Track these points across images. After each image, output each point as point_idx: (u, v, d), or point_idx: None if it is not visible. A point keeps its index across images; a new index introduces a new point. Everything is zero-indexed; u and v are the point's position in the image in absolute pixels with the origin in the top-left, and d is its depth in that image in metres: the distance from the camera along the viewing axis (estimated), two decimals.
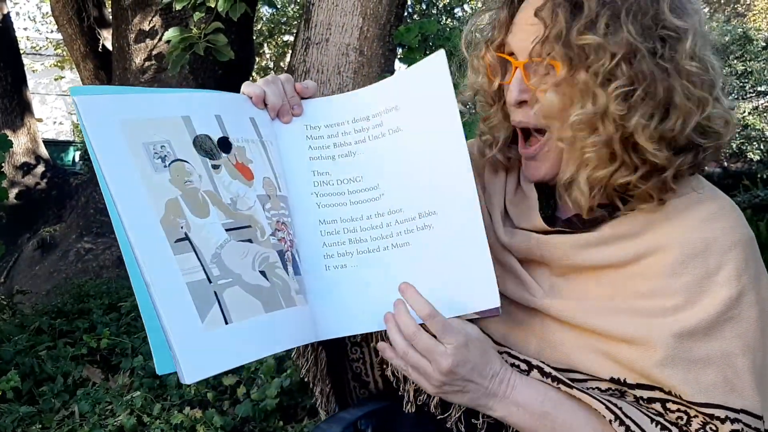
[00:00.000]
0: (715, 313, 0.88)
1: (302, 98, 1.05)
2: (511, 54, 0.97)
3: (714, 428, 0.87)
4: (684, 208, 0.93)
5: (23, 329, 3.46)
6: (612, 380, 0.91)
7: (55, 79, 13.27)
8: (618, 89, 0.87)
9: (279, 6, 10.86)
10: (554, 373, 0.94)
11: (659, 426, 0.89)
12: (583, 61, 0.88)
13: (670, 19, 0.88)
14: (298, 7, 10.80)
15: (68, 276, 4.58)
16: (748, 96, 10.13)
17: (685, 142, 0.91)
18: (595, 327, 0.92)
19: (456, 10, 11.45)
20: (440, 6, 11.30)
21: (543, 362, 0.96)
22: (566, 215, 1.03)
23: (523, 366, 0.96)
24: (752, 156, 9.66)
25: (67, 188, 5.58)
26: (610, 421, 0.88)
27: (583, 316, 0.94)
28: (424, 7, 11.14)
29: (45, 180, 5.51)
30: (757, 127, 9.61)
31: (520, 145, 1.03)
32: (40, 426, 2.62)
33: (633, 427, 0.88)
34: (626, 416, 0.89)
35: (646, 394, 0.89)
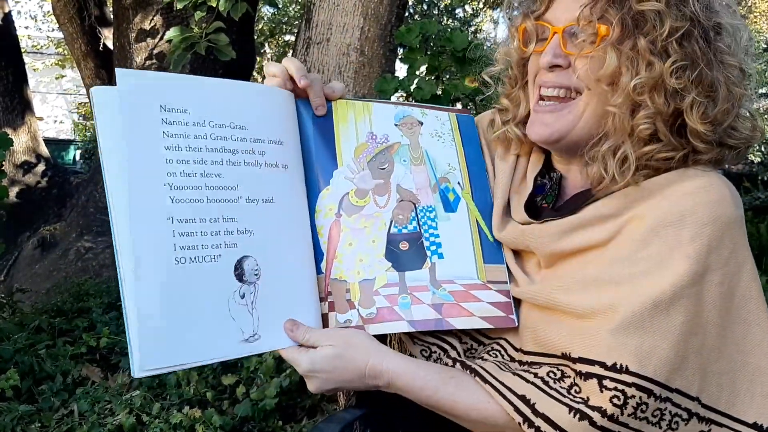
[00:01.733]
0: (678, 285, 0.86)
1: (329, 100, 1.09)
2: (549, 23, 0.99)
3: (639, 401, 0.84)
4: (668, 182, 0.93)
5: (23, 328, 3.46)
6: (562, 355, 0.92)
7: (56, 78, 13.28)
8: (676, 63, 0.89)
9: (280, 6, 10.86)
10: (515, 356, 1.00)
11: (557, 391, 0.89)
12: (639, 27, 0.90)
13: (721, 12, 0.92)
14: (299, 7, 10.79)
15: (68, 275, 4.58)
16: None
17: (718, 137, 0.93)
18: (560, 305, 0.94)
19: (457, 11, 11.44)
20: (441, 7, 11.29)
21: (512, 344, 1.02)
22: (568, 196, 1.06)
23: (488, 344, 1.04)
24: (753, 158, 9.65)
25: (68, 187, 5.58)
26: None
27: (550, 295, 0.96)
28: (425, 7, 11.13)
29: (45, 179, 5.51)
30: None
31: (533, 102, 1.04)
32: (40, 425, 2.61)
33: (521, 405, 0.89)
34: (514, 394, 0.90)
35: (584, 368, 0.88)
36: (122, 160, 0.87)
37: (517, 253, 1.08)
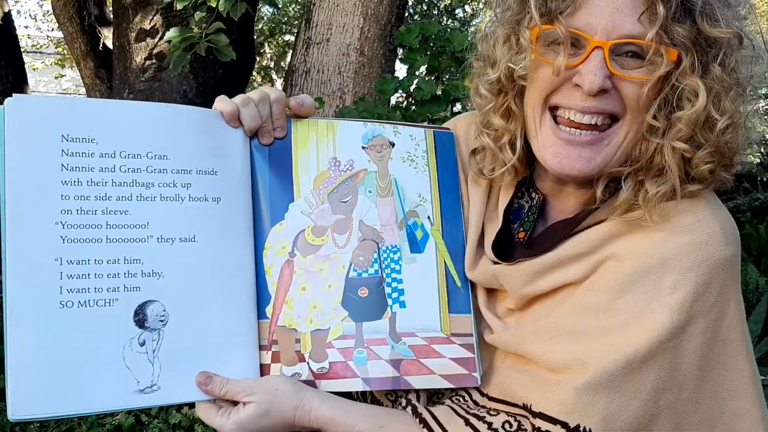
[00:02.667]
0: (656, 341, 0.79)
1: (297, 116, 0.98)
2: (583, 33, 0.83)
3: None
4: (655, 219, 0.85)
5: None
6: (523, 406, 0.86)
7: (56, 78, 13.24)
8: (740, 95, 0.86)
9: (280, 6, 10.86)
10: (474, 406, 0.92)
11: None
12: (714, 56, 0.82)
13: (752, 36, 0.87)
14: (299, 7, 10.79)
15: None
16: (748, 99, 10.13)
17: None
18: (531, 354, 0.88)
19: (457, 11, 11.44)
20: (441, 7, 11.29)
21: (479, 389, 0.95)
22: (550, 221, 0.98)
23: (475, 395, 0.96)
24: (753, 158, 9.67)
25: None
26: None
27: (521, 345, 0.89)
28: (425, 7, 11.13)
29: None
30: (758, 130, 9.62)
31: (560, 134, 0.88)
32: (38, 425, 2.61)
33: None
34: None
35: (544, 425, 0.82)
36: (10, 195, 0.81)
37: (490, 291, 1.00)
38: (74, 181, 0.83)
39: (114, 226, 0.85)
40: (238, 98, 0.93)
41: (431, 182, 1.01)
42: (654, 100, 0.83)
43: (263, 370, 0.93)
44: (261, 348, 0.94)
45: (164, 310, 0.88)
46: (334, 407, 0.89)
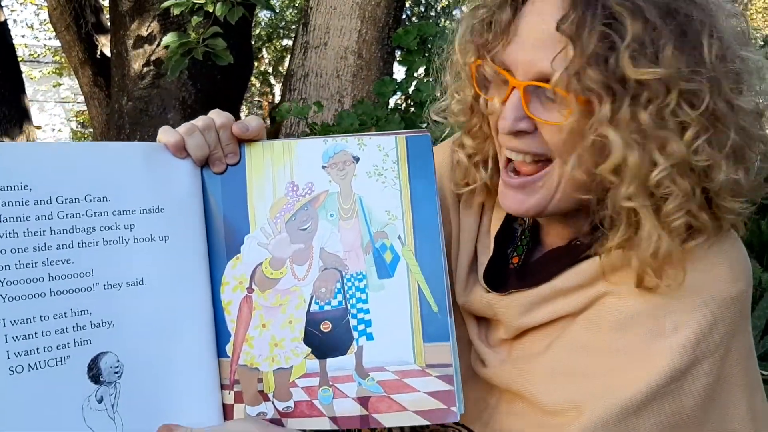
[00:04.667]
0: (654, 386, 0.75)
1: (242, 141, 0.91)
2: (508, 70, 0.80)
3: None
4: None
5: None
6: None
7: (54, 86, 13.28)
8: (699, 136, 0.71)
9: (277, 10, 10.87)
10: None
11: None
12: (636, 97, 0.71)
13: (735, 47, 0.73)
14: (296, 11, 10.80)
15: None
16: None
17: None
18: (525, 392, 0.85)
19: (455, 12, 11.45)
20: (438, 8, 11.31)
21: (471, 429, 0.90)
22: (545, 246, 0.94)
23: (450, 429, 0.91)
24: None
25: None
26: None
27: (515, 381, 0.86)
28: (422, 9, 11.15)
29: None
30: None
31: (502, 173, 0.87)
32: None
33: None
34: None
35: None
36: None
37: (481, 319, 0.96)
38: (9, 233, 0.76)
39: (56, 278, 0.79)
40: (182, 128, 0.88)
41: (402, 196, 0.91)
42: (577, 147, 0.76)
43: (226, 410, 0.90)
44: (223, 387, 0.90)
45: (118, 361, 0.83)
46: None
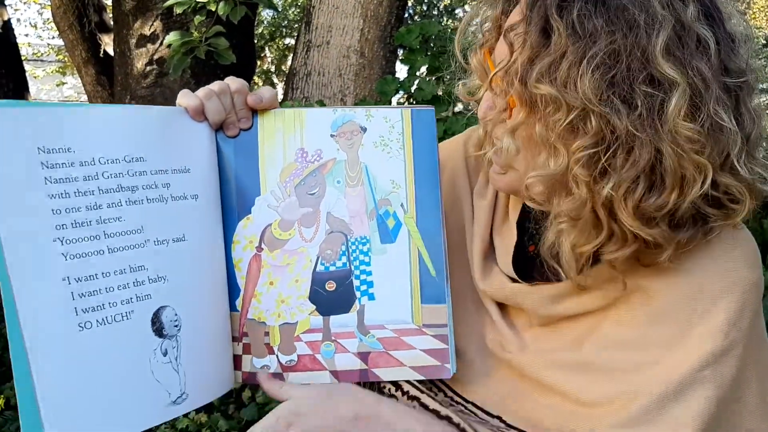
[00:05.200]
0: (688, 371, 0.78)
1: (254, 111, 0.94)
2: (495, 62, 0.83)
3: None
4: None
5: None
6: None
7: (57, 85, 13.28)
8: (580, 151, 0.72)
9: (279, 9, 10.88)
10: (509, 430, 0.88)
11: None
12: (539, 110, 0.75)
13: (661, 67, 0.70)
14: (298, 10, 10.81)
15: None
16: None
17: (690, 213, 0.76)
18: (554, 384, 0.86)
19: (457, 11, 11.44)
20: (441, 7, 11.30)
21: (501, 417, 0.91)
22: None
23: (481, 415, 0.92)
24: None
25: None
26: None
27: (544, 371, 0.87)
28: (424, 8, 11.14)
29: None
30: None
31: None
32: None
33: None
34: None
35: None
36: (1, 217, 0.74)
37: (502, 304, 0.98)
38: (61, 194, 0.78)
39: (111, 235, 0.81)
40: (201, 92, 0.91)
41: (406, 167, 0.96)
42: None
43: (235, 360, 0.96)
44: (233, 339, 0.96)
45: (176, 315, 0.85)
46: (399, 411, 0.88)
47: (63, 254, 0.77)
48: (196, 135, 0.92)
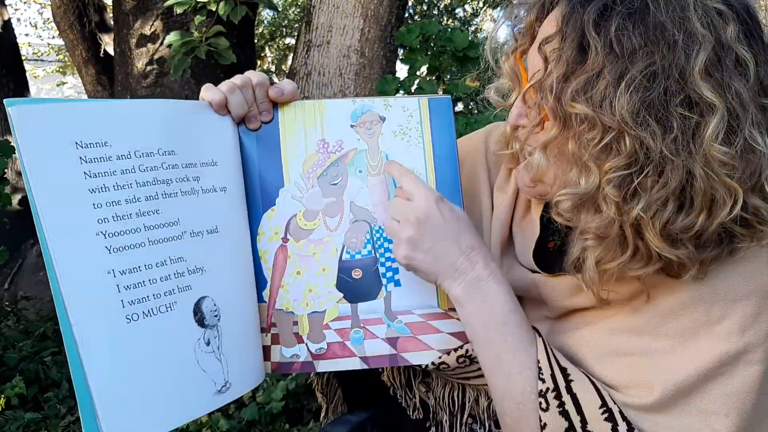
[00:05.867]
0: (703, 369, 0.78)
1: (275, 104, 0.95)
2: (527, 69, 0.84)
3: None
4: None
5: (28, 335, 3.46)
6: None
7: (58, 85, 13.28)
8: (612, 171, 0.72)
9: (280, 9, 10.87)
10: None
11: (605, 416, 0.79)
12: (573, 127, 0.75)
13: (699, 89, 0.69)
14: (299, 10, 10.80)
15: None
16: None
17: (716, 234, 0.75)
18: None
19: (457, 11, 11.44)
20: (441, 7, 11.29)
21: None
22: None
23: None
24: None
25: None
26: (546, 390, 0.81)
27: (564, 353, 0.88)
28: (425, 8, 11.13)
29: None
30: None
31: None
32: None
33: (569, 406, 0.80)
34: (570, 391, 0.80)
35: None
36: (44, 215, 0.74)
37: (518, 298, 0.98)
38: (101, 188, 0.78)
39: (151, 227, 0.82)
40: (224, 86, 0.92)
41: (426, 155, 0.98)
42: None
43: (264, 351, 0.96)
44: (261, 330, 0.97)
45: (215, 305, 0.87)
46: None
47: (107, 248, 0.77)
48: (220, 128, 0.93)
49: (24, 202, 5.37)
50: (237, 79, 0.92)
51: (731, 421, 0.78)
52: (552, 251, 0.96)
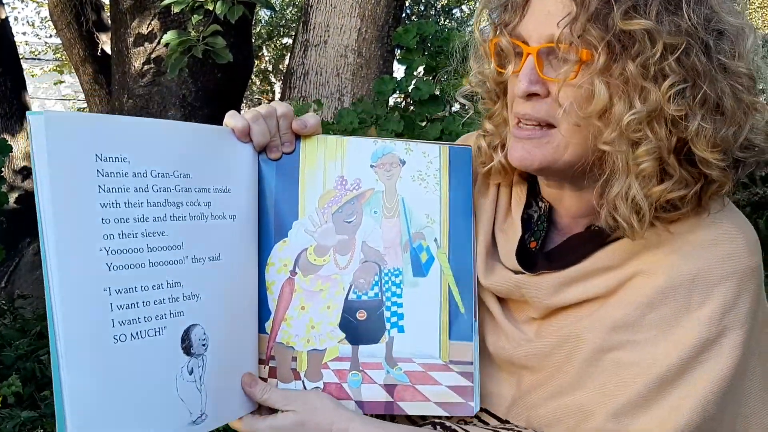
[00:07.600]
0: (686, 356, 0.80)
1: (297, 136, 0.96)
2: (524, 41, 0.84)
3: None
4: (681, 232, 0.84)
5: (24, 334, 3.46)
6: None
7: (55, 84, 13.26)
8: (674, 86, 0.75)
9: (277, 9, 10.87)
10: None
11: None
12: (627, 50, 0.76)
13: (723, 14, 0.78)
14: (296, 10, 10.80)
15: None
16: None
17: (732, 156, 0.81)
18: (560, 377, 0.88)
19: (454, 11, 11.45)
20: (438, 7, 11.31)
21: (498, 417, 0.93)
22: (562, 238, 0.96)
23: (493, 423, 0.94)
24: None
25: None
26: None
27: (544, 359, 0.89)
28: (422, 8, 11.14)
29: None
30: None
31: (512, 124, 0.90)
32: (42, 431, 2.61)
33: None
34: None
35: None
36: (51, 222, 0.73)
37: (503, 300, 0.98)
38: (112, 203, 0.77)
39: (154, 249, 0.80)
40: (248, 114, 0.93)
41: (441, 203, 0.97)
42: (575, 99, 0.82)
43: None
44: (259, 362, 0.95)
45: (205, 333, 0.86)
46: (370, 424, 0.89)
47: (107, 264, 0.76)
48: (239, 155, 0.92)
49: (21, 200, 5.37)
50: (262, 108, 0.93)
51: (720, 404, 0.80)
52: (534, 251, 0.96)
